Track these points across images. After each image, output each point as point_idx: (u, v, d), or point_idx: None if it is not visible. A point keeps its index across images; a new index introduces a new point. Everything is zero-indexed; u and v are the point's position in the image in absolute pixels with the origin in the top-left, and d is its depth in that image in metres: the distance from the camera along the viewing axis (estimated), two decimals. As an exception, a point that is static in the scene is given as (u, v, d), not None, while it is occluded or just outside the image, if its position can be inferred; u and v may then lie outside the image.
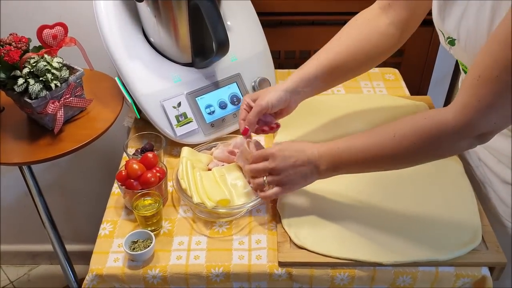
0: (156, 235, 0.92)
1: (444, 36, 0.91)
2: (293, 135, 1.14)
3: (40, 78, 1.05)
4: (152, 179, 0.94)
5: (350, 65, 0.99)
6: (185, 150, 1.03)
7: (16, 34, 1.09)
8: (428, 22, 1.47)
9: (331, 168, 0.87)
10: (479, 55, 0.72)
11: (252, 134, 1.17)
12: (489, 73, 0.69)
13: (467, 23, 0.83)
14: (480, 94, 0.71)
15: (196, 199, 0.93)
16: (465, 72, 0.96)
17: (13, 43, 1.06)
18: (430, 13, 1.39)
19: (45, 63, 1.05)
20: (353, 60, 0.98)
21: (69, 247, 1.51)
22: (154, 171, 0.96)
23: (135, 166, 0.95)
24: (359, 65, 1.01)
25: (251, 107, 1.00)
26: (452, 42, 0.89)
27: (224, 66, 1.16)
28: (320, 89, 1.03)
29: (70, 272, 1.51)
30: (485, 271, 0.87)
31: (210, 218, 0.96)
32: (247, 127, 0.99)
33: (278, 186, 0.90)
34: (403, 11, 0.96)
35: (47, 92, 1.06)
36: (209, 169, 1.04)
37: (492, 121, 0.73)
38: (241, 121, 1.01)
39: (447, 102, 1.79)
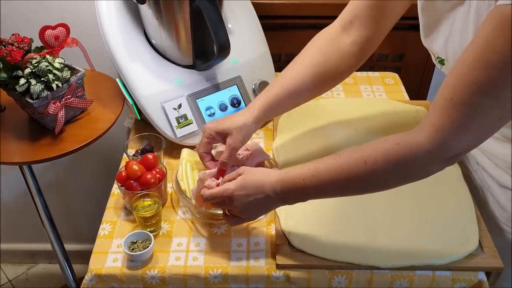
0: (155, 236, 0.93)
1: (434, 56, 0.91)
2: (292, 139, 1.15)
3: (42, 79, 1.06)
4: (152, 180, 0.95)
5: (311, 88, 0.98)
6: (184, 152, 1.03)
7: (19, 35, 1.10)
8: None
9: (297, 198, 0.84)
10: (448, 76, 0.72)
11: (253, 138, 1.18)
12: (461, 95, 0.68)
13: (453, 45, 0.83)
14: (453, 117, 0.69)
15: (195, 201, 0.94)
16: None
17: (15, 44, 1.07)
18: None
19: (46, 64, 1.06)
20: (314, 82, 0.97)
21: (68, 246, 1.52)
22: (154, 172, 0.97)
23: (135, 167, 0.96)
24: (320, 87, 1.00)
25: (213, 140, 0.94)
26: (441, 61, 0.90)
27: (225, 69, 1.17)
28: (280, 113, 1.04)
29: (69, 272, 1.51)
30: (481, 275, 0.88)
31: (209, 219, 0.96)
32: (222, 168, 0.92)
33: (240, 218, 0.86)
34: (366, 29, 0.95)
35: (49, 92, 1.07)
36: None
37: (465, 142, 0.72)
38: (203, 154, 0.95)
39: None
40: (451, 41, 0.84)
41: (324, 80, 0.98)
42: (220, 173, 0.91)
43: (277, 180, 0.82)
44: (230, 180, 0.85)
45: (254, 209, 0.84)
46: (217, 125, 0.93)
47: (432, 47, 0.90)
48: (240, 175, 0.84)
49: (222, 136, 0.93)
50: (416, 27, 1.44)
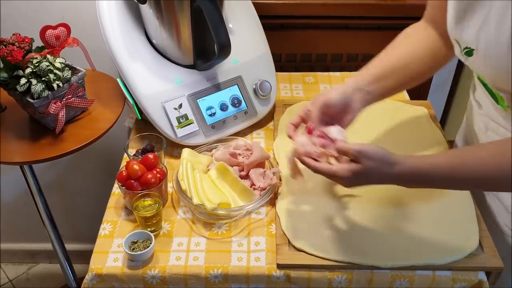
0: (155, 236, 0.93)
1: (460, 47, 0.88)
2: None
3: (43, 78, 1.06)
4: (152, 180, 0.95)
5: (410, 70, 0.95)
6: (185, 152, 1.03)
7: (19, 34, 1.10)
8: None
9: (418, 186, 0.84)
10: None
11: (253, 138, 1.18)
12: None
13: (487, 32, 0.80)
14: None
15: (196, 201, 0.94)
16: (483, 84, 0.95)
17: (16, 43, 1.07)
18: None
19: (47, 64, 1.06)
20: (412, 65, 0.95)
21: (68, 246, 1.52)
22: (155, 172, 0.97)
23: (136, 166, 0.96)
24: (420, 72, 0.98)
25: (307, 114, 0.92)
26: (469, 52, 0.86)
27: (225, 69, 1.17)
28: (385, 92, 0.95)
29: (69, 271, 1.52)
30: (481, 275, 0.88)
31: (210, 219, 0.97)
32: (311, 125, 0.89)
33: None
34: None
35: (49, 92, 1.07)
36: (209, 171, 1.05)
37: None
38: (289, 124, 0.93)
39: (447, 107, 1.80)
40: (486, 29, 0.81)
41: (423, 66, 0.97)
42: (310, 131, 0.89)
43: (400, 174, 0.80)
44: (343, 153, 0.82)
45: (362, 185, 0.84)
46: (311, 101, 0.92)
47: (461, 36, 0.86)
48: (357, 156, 0.80)
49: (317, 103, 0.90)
50: (417, 27, 1.45)
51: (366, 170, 0.79)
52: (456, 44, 0.89)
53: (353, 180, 0.81)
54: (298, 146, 0.87)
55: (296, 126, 0.94)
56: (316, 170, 0.83)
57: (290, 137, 0.92)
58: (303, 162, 0.85)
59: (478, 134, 1.04)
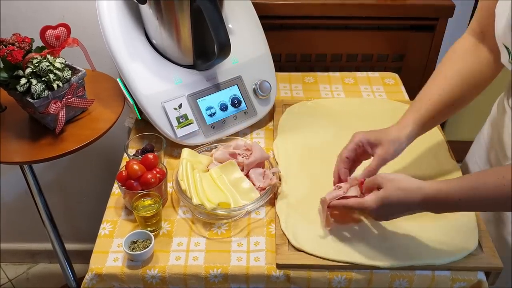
0: (155, 236, 0.93)
1: (510, 54, 0.85)
2: (292, 139, 1.15)
3: (43, 78, 1.06)
4: (152, 180, 0.95)
5: (460, 98, 0.94)
6: (185, 152, 1.03)
7: (19, 34, 1.10)
8: (429, 28, 1.48)
9: (443, 211, 0.84)
10: None
11: (253, 138, 1.18)
12: None
13: None
14: None
15: (195, 201, 0.94)
16: None
17: (16, 43, 1.07)
18: (432, 19, 1.41)
19: (47, 64, 1.06)
20: (463, 92, 0.94)
21: (68, 246, 1.52)
22: (154, 172, 0.97)
23: (136, 166, 0.96)
24: (468, 96, 0.96)
25: (362, 149, 0.93)
26: None
27: (225, 69, 1.17)
28: (428, 129, 0.97)
29: (69, 271, 1.52)
30: (481, 275, 0.88)
31: (209, 219, 0.97)
32: (368, 175, 0.90)
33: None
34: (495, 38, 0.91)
35: (49, 92, 1.07)
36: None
37: None
38: (345, 158, 0.93)
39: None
40: None
41: (471, 89, 0.95)
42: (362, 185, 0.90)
43: (425, 200, 0.80)
44: (371, 189, 0.86)
45: (392, 218, 0.86)
46: (370, 134, 0.93)
47: None
48: (378, 186, 0.84)
49: (372, 146, 0.92)
50: (417, 28, 1.45)
51: (392, 195, 0.82)
52: (505, 51, 0.87)
53: (381, 208, 0.83)
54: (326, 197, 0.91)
55: (349, 159, 0.94)
56: (346, 207, 0.88)
57: (335, 181, 0.95)
58: (332, 206, 0.90)
59: (507, 142, 1.01)
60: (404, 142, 0.92)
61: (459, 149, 1.23)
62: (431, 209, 0.82)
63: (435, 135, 1.16)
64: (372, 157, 0.93)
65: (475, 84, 0.95)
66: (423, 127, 0.93)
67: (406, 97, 1.33)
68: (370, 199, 0.84)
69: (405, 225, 0.94)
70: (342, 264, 0.88)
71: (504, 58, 0.88)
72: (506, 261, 0.93)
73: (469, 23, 1.59)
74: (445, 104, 0.93)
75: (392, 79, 1.39)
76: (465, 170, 1.14)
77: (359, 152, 0.94)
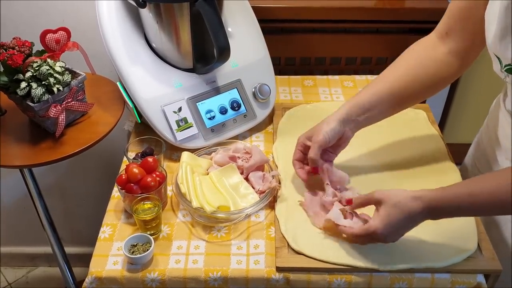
0: (155, 239, 0.93)
1: (501, 63, 0.85)
2: (292, 142, 1.15)
3: (43, 82, 1.06)
4: (152, 183, 0.95)
5: (404, 94, 0.96)
6: (185, 155, 1.04)
7: (20, 38, 1.10)
8: (427, 31, 1.48)
9: (447, 216, 0.85)
10: None
11: (253, 141, 1.18)
12: None
13: None
14: None
15: (195, 204, 0.94)
16: None
17: (17, 47, 1.08)
18: (431, 22, 1.41)
19: (47, 67, 1.07)
20: (408, 89, 0.96)
21: (68, 249, 1.52)
22: (154, 175, 0.97)
23: (135, 170, 0.96)
24: (415, 94, 0.98)
25: (305, 147, 0.99)
26: (511, 69, 0.84)
27: (225, 72, 1.17)
28: (376, 118, 0.99)
29: (69, 275, 1.52)
30: (480, 278, 0.88)
31: (209, 222, 0.97)
32: (314, 166, 0.96)
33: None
34: (461, 40, 0.93)
35: (49, 96, 1.07)
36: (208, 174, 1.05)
37: None
38: (295, 161, 1.00)
39: (445, 110, 1.80)
40: None
41: (419, 88, 0.96)
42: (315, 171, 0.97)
43: (427, 208, 0.81)
44: (363, 204, 0.88)
45: (400, 235, 0.85)
46: (306, 133, 0.99)
47: (505, 53, 0.83)
48: (377, 202, 0.84)
49: (310, 139, 0.97)
50: (415, 31, 1.46)
51: (394, 210, 0.81)
52: (496, 60, 0.87)
53: (388, 227, 0.82)
54: (334, 223, 0.91)
55: (301, 161, 1.01)
56: (355, 237, 0.87)
57: (303, 180, 1.00)
58: (343, 232, 0.90)
59: (505, 144, 1.00)
60: (336, 123, 0.95)
61: (458, 152, 1.23)
62: (434, 216, 0.82)
63: (434, 138, 1.17)
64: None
65: (427, 83, 0.96)
66: (359, 111, 0.96)
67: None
68: (374, 221, 0.83)
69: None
70: (342, 267, 0.88)
71: (496, 67, 0.88)
72: (506, 262, 0.94)
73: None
74: (385, 95, 0.95)
75: (391, 82, 1.39)
76: (464, 173, 1.14)
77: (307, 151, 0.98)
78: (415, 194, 0.82)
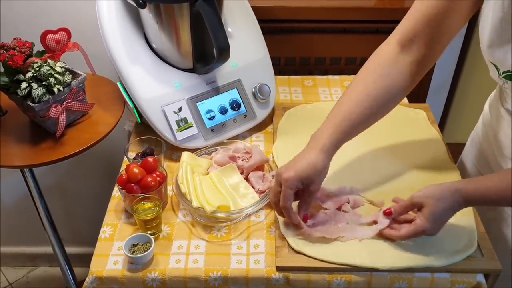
0: (155, 239, 0.93)
1: (498, 70, 0.85)
2: (292, 142, 1.15)
3: (43, 83, 1.07)
4: (152, 183, 0.96)
5: (375, 113, 0.94)
6: (185, 155, 1.04)
7: (20, 39, 1.10)
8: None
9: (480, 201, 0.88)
10: None
11: (253, 141, 1.18)
12: None
13: None
14: None
15: (195, 204, 0.94)
16: None
17: (17, 48, 1.08)
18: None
19: (48, 68, 1.07)
20: (378, 107, 0.93)
21: (68, 249, 1.52)
22: (154, 175, 0.97)
23: (136, 170, 0.96)
24: (384, 110, 0.95)
25: (298, 189, 0.88)
26: (510, 76, 0.83)
27: (224, 72, 1.18)
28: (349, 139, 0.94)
29: (70, 275, 1.52)
30: (480, 277, 0.88)
31: (209, 222, 0.97)
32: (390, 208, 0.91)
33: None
34: (426, 48, 0.90)
35: (50, 96, 1.08)
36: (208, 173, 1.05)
37: None
38: (289, 207, 0.88)
39: (445, 110, 1.81)
40: None
41: (387, 103, 0.93)
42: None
43: (466, 199, 0.85)
44: (405, 212, 0.90)
45: (443, 225, 0.88)
46: (299, 174, 0.86)
47: (504, 59, 0.82)
48: (419, 205, 0.86)
49: (305, 185, 0.88)
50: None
51: (437, 208, 0.84)
52: (493, 67, 0.86)
53: (433, 223, 0.85)
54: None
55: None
56: (401, 238, 0.89)
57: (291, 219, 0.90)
58: (391, 237, 0.91)
59: (504, 142, 1.00)
60: (327, 166, 0.90)
61: (458, 152, 1.24)
62: (468, 205, 0.87)
63: (434, 137, 1.17)
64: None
65: (391, 100, 0.94)
66: (339, 145, 0.91)
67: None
68: (421, 222, 0.85)
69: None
70: (342, 266, 0.88)
71: (494, 74, 0.88)
72: (506, 261, 0.94)
73: (467, 26, 1.60)
74: (359, 120, 0.91)
75: (391, 82, 1.39)
76: (462, 170, 1.14)
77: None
78: (453, 187, 0.85)
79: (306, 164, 0.87)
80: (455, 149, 1.20)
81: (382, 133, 1.16)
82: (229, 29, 1.20)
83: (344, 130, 0.90)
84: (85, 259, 0.99)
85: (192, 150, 1.09)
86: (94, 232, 1.03)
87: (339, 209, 0.97)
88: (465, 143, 1.22)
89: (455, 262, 0.88)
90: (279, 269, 0.88)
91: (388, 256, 0.88)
